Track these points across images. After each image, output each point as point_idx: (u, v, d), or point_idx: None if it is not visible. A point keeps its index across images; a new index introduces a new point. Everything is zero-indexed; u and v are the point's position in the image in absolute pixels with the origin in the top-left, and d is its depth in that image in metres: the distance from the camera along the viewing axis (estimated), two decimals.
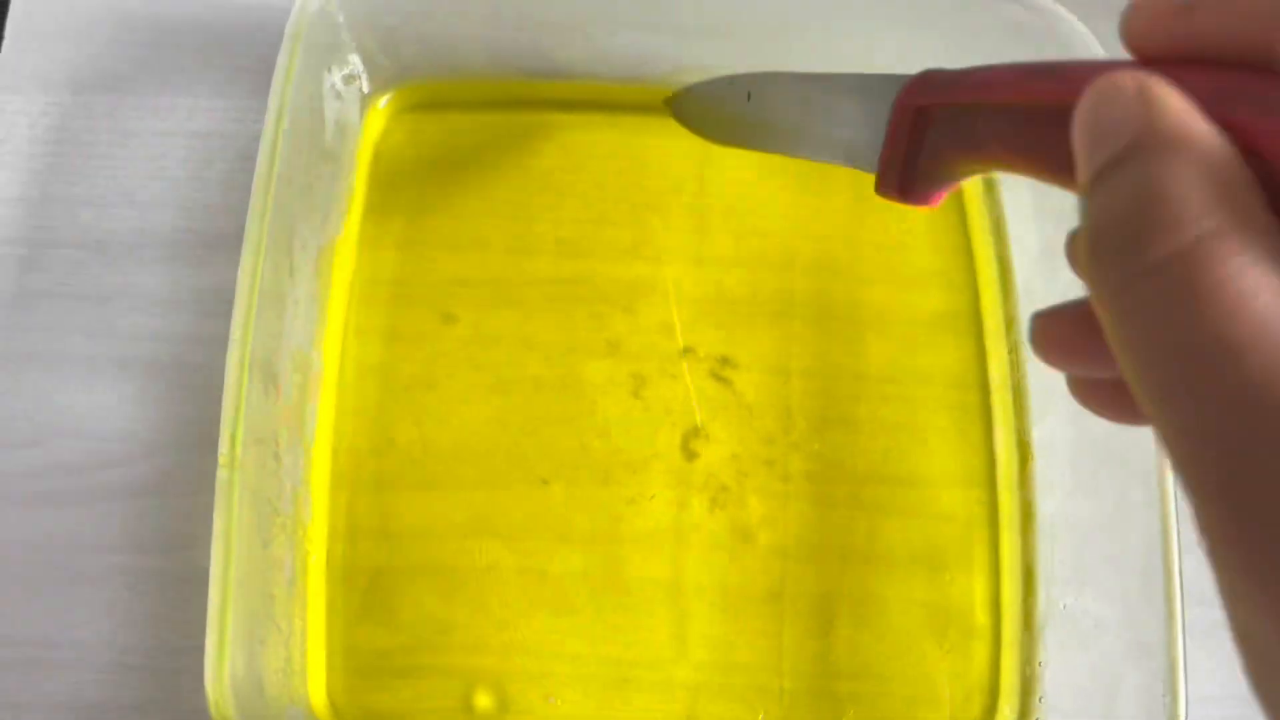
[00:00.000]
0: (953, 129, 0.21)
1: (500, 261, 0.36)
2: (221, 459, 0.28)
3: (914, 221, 0.37)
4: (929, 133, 0.22)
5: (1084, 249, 0.15)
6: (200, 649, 0.27)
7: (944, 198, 0.23)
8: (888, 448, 0.35)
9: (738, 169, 0.37)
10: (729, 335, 0.36)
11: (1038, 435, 0.35)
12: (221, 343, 0.29)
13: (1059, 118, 0.16)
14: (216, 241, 0.37)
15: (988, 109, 0.20)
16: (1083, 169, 0.15)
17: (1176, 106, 0.14)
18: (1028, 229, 0.36)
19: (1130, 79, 0.15)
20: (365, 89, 0.36)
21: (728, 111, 0.31)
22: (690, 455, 0.35)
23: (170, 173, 0.38)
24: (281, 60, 0.31)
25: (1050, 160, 0.17)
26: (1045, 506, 0.34)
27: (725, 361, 0.35)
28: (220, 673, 0.27)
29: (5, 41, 0.39)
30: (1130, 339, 0.14)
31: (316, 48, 0.33)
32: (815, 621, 0.33)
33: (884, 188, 0.23)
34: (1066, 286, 0.34)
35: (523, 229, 0.36)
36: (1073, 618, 0.32)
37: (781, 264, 0.36)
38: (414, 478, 0.34)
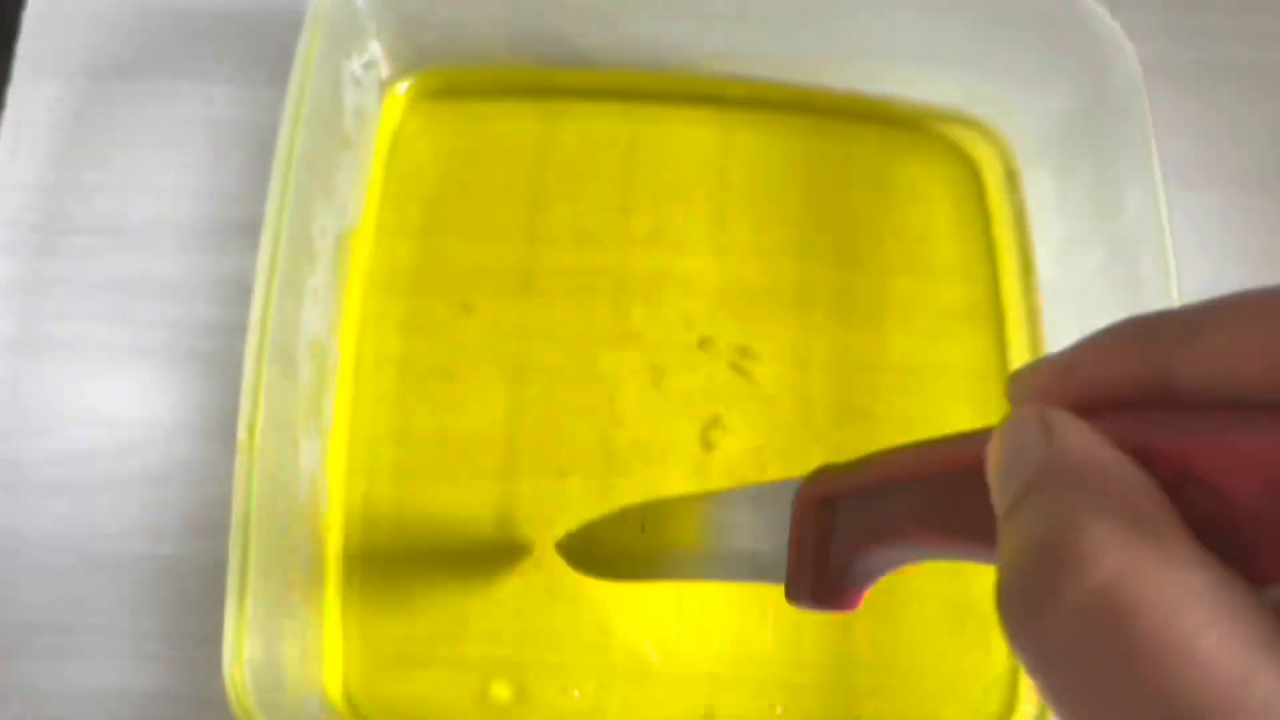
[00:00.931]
0: (862, 517, 0.20)
1: (519, 251, 0.36)
2: (240, 446, 0.28)
3: (936, 214, 0.36)
4: (837, 526, 0.20)
5: (996, 599, 0.14)
6: (218, 636, 0.27)
7: (863, 598, 0.20)
8: (908, 440, 0.34)
9: (758, 159, 0.37)
10: (749, 326, 0.35)
11: None
12: (239, 330, 0.29)
13: (969, 482, 0.16)
14: (234, 229, 0.37)
15: (895, 488, 0.19)
16: (997, 513, 0.14)
17: (1079, 434, 0.14)
18: (1050, 221, 0.36)
19: (1033, 411, 0.14)
20: (384, 76, 0.36)
21: (621, 546, 0.29)
22: (709, 446, 0.34)
23: (188, 160, 0.37)
24: (301, 47, 0.31)
25: (970, 528, 0.16)
26: None
27: (745, 352, 0.35)
28: (239, 660, 0.27)
29: (23, 28, 0.39)
30: (1050, 686, 0.13)
31: (336, 34, 0.32)
32: (835, 615, 0.33)
33: (795, 595, 0.21)
34: (1088, 279, 0.34)
35: (542, 218, 0.36)
36: None
37: (802, 255, 0.36)
38: (431, 468, 0.34)
